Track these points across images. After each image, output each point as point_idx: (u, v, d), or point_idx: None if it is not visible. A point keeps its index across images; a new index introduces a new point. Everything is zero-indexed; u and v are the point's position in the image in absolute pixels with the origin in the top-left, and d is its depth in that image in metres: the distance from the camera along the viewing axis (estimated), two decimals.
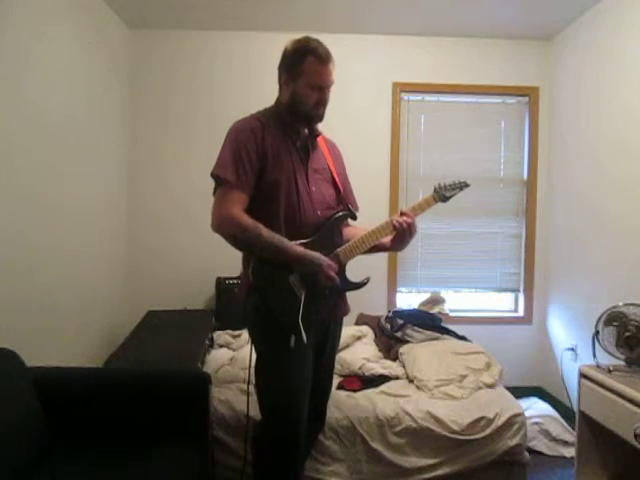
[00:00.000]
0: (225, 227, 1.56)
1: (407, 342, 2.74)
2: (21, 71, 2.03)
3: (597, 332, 2.02)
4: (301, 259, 1.56)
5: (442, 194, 1.72)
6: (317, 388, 1.77)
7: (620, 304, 2.01)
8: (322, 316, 1.68)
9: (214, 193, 1.61)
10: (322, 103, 1.65)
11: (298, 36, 1.66)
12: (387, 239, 1.71)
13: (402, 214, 1.67)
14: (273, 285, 1.58)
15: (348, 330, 2.69)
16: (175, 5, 2.91)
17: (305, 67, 1.59)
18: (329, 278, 1.57)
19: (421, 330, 2.78)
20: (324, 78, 1.61)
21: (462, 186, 1.75)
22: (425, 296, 3.33)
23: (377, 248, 1.73)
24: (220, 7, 2.93)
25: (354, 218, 1.78)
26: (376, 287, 3.29)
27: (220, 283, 3.10)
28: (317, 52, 1.59)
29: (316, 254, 1.57)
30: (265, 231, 1.53)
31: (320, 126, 1.76)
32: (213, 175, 1.60)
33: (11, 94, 1.96)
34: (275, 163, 1.61)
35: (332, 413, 2.08)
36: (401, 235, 1.67)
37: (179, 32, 3.27)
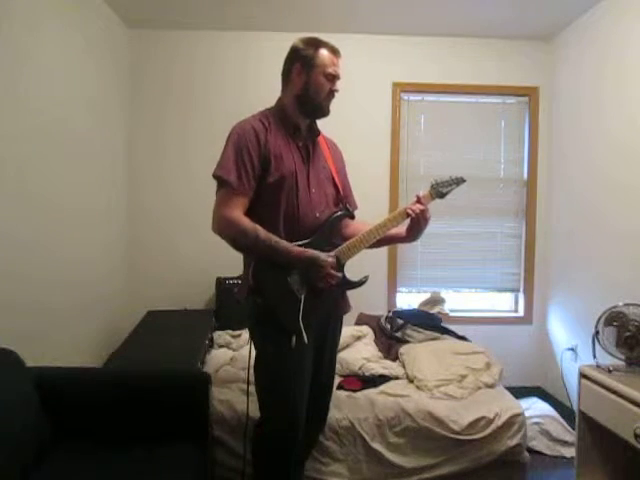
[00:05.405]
0: (226, 230, 1.57)
1: (407, 342, 2.74)
2: (19, 71, 2.02)
3: (597, 332, 2.02)
4: (300, 259, 1.56)
5: (439, 190, 1.74)
6: (319, 386, 1.78)
7: (620, 304, 2.01)
8: (322, 314, 1.68)
9: (217, 193, 1.62)
10: (333, 94, 1.69)
11: (299, 36, 1.71)
12: (401, 230, 1.73)
13: (417, 201, 1.69)
14: (273, 285, 1.58)
15: (348, 330, 2.69)
16: (175, 5, 2.91)
17: (320, 57, 1.65)
18: (331, 276, 1.58)
19: (421, 330, 2.78)
20: (336, 69, 1.67)
21: (458, 181, 1.76)
22: (425, 296, 3.33)
23: (388, 240, 1.75)
24: (219, 7, 2.93)
25: (352, 218, 1.78)
26: (376, 287, 3.29)
27: (220, 283, 3.10)
28: (329, 45, 1.68)
29: (316, 252, 1.58)
30: (263, 233, 1.54)
31: (320, 125, 1.77)
32: (215, 176, 1.60)
33: (9, 94, 1.95)
34: (277, 165, 1.62)
35: (332, 413, 2.07)
36: (416, 223, 1.69)
37: (178, 32, 3.27)
